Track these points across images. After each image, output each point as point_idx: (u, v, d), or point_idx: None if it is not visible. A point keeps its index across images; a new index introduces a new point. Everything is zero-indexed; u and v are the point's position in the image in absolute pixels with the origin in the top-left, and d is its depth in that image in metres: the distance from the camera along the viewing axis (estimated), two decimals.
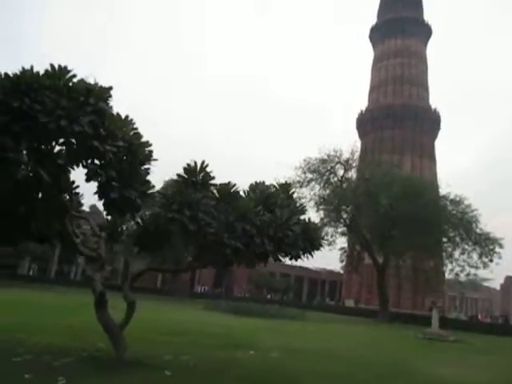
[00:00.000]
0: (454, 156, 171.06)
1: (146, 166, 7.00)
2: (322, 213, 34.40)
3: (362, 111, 61.36)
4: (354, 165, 34.69)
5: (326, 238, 34.22)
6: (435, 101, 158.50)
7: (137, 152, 6.64)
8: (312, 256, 8.46)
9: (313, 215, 34.87)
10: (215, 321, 18.06)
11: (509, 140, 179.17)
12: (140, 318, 16.56)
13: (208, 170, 7.37)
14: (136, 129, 6.92)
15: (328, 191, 34.35)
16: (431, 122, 57.61)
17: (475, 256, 32.68)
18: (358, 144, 35.47)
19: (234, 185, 7.58)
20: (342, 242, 36.91)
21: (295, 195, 29.27)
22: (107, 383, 5.90)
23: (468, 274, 33.62)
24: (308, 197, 34.84)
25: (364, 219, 34.95)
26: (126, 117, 6.95)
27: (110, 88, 6.31)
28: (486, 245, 32.21)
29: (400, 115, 56.27)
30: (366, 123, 59.38)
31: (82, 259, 42.93)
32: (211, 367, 7.75)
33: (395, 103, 57.26)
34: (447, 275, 39.66)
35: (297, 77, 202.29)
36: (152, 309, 22.06)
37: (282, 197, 7.80)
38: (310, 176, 34.30)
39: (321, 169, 34.27)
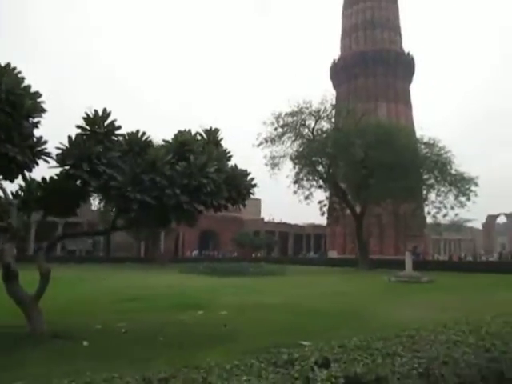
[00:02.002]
0: (439, 100, 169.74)
1: (35, 120, 6.17)
2: (297, 167, 33.81)
3: (334, 60, 59.45)
4: (324, 115, 33.70)
5: (301, 191, 33.90)
6: (419, 44, 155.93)
7: (18, 103, 5.77)
8: (243, 205, 7.85)
9: (285, 171, 34.30)
10: (182, 283, 17.69)
11: (494, 79, 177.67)
12: (103, 285, 16.31)
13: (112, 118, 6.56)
14: (21, 78, 6.03)
15: (301, 145, 33.59)
16: (405, 67, 56.04)
17: (451, 197, 32.56)
18: (329, 93, 34.36)
19: (144, 133, 6.80)
20: (322, 195, 36.60)
21: (267, 151, 28.65)
22: (7, 361, 5.31)
23: (445, 215, 33.58)
24: (281, 152, 34.15)
25: (339, 170, 34.49)
26: (8, 64, 6.04)
27: None
28: (462, 185, 32.01)
29: (373, 61, 54.60)
30: (339, 72, 57.65)
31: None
32: (142, 334, 7.22)
33: (367, 49, 55.45)
34: (428, 219, 39.79)
35: (266, 33, 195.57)
36: (123, 276, 21.74)
37: (200, 143, 7.05)
38: (280, 131, 33.41)
39: (291, 122, 33.32)
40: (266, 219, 62.13)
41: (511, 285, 18.80)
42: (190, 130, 7.65)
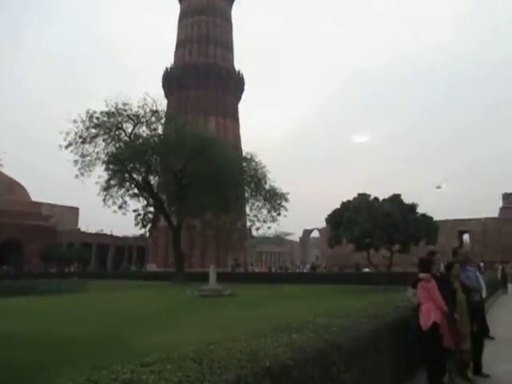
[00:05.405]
0: (270, 118, 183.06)
1: None
2: (109, 173, 30.97)
3: (167, 68, 58.40)
4: (144, 120, 31.72)
5: (112, 200, 31.27)
6: (249, 64, 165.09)
7: None
8: None
9: (96, 175, 31.21)
10: None
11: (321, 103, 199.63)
12: None
13: None
14: None
15: (117, 149, 30.96)
16: (235, 84, 58.01)
17: (265, 211, 33.86)
18: (149, 98, 32.07)
19: None
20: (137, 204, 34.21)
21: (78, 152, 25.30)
22: None
23: (258, 229, 34.81)
24: (94, 155, 30.99)
25: (157, 179, 33.02)
26: None
27: None
28: (275, 200, 33.56)
29: (205, 75, 55.05)
30: (171, 81, 56.69)
31: None
32: None
33: (200, 62, 55.73)
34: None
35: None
36: None
37: None
38: (94, 131, 30.30)
39: (107, 122, 30.52)
40: (85, 229, 56.77)
41: (304, 295, 19.63)
42: None
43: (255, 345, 3.19)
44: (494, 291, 17.32)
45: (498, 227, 41.92)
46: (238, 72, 59.49)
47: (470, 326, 5.47)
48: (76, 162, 30.05)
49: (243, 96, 60.91)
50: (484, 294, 6.63)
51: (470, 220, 43.96)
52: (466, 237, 46.01)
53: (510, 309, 9.25)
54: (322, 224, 31.68)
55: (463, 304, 5.44)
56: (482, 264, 29.58)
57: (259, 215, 33.79)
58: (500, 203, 44.83)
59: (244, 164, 33.63)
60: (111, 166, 30.51)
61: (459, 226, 43.81)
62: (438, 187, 20.54)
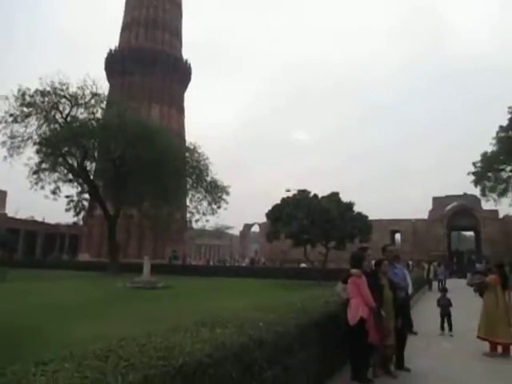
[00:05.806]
0: (214, 114, 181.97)
1: None
2: (41, 155, 29.11)
3: (111, 50, 55.81)
4: (82, 102, 30.04)
5: (42, 184, 29.51)
6: (196, 56, 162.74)
7: None
8: None
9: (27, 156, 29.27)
10: None
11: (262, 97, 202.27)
12: None
13: None
14: None
15: (51, 130, 29.11)
16: (182, 73, 56.59)
17: (205, 203, 33.38)
18: (89, 79, 30.39)
19: None
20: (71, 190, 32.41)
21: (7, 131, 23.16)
22: None
23: (197, 220, 34.30)
24: (25, 135, 28.99)
25: (95, 165, 31.53)
26: None
27: None
28: (216, 192, 33.15)
29: (151, 61, 52.98)
30: (114, 64, 54.16)
31: None
32: None
33: (146, 47, 53.67)
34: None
35: None
36: None
37: None
38: (26, 110, 28.30)
39: (41, 102, 28.60)
40: (14, 214, 53.05)
41: (241, 289, 19.54)
42: None
43: (173, 340, 2.97)
44: (420, 288, 18.18)
45: (426, 228, 44.32)
46: (186, 61, 58.10)
47: (395, 322, 5.56)
48: (4, 143, 28.05)
49: (189, 87, 59.71)
50: (410, 291, 6.81)
51: (402, 220, 46.15)
52: (398, 236, 48.31)
53: (433, 305, 9.65)
54: (263, 219, 31.75)
55: (389, 300, 5.52)
56: (410, 262, 31.12)
57: (199, 207, 33.31)
58: (431, 206, 47.28)
59: (187, 154, 32.91)
60: (43, 149, 28.69)
61: (392, 226, 45.87)
62: (288, 190, 23.44)
